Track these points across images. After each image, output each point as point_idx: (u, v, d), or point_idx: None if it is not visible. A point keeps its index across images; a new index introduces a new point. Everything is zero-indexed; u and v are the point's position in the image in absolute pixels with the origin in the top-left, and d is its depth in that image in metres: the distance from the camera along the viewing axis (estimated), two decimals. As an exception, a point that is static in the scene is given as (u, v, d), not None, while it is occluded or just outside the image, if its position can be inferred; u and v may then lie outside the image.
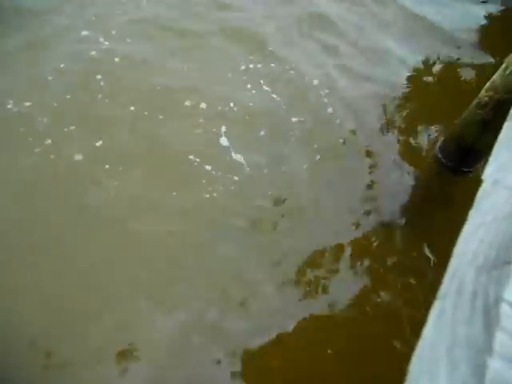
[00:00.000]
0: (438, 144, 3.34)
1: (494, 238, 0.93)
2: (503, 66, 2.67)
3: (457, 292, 0.87)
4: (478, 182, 1.53)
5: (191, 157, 3.00)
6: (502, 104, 2.58)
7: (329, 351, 2.31)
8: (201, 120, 3.22)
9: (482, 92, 3.01)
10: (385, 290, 2.53)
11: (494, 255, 0.89)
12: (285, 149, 3.17)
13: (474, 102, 3.13)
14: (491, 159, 1.17)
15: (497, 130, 2.01)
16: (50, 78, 3.25)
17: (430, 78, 3.89)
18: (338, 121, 3.37)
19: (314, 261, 2.64)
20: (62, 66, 3.33)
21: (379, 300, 2.51)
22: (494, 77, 2.87)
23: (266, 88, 3.52)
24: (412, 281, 2.58)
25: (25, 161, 2.82)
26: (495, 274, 0.84)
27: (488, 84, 2.94)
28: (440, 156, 3.23)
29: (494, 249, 0.88)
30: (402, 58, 4.03)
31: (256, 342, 2.32)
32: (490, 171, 1.13)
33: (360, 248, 2.73)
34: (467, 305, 0.82)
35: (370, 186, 3.08)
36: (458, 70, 4.01)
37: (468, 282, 0.85)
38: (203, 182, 2.90)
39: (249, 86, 3.52)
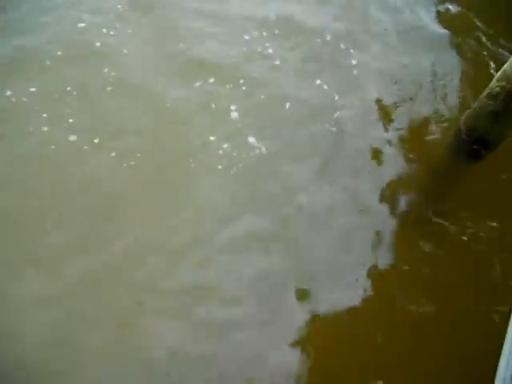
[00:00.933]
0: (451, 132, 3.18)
1: None
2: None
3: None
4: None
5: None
6: (513, 94, 2.56)
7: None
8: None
9: (494, 82, 2.75)
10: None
11: None
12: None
13: (485, 91, 2.85)
14: None
15: (508, 120, 2.78)
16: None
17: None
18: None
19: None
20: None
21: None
22: (505, 66, 2.64)
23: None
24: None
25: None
26: None
27: (499, 74, 2.69)
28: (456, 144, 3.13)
29: None
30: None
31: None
32: None
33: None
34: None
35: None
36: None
37: None
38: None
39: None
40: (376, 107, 3.29)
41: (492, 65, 3.59)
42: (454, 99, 3.39)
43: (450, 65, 3.59)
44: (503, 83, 2.65)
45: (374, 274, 2.57)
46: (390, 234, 2.73)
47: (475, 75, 3.53)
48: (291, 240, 2.64)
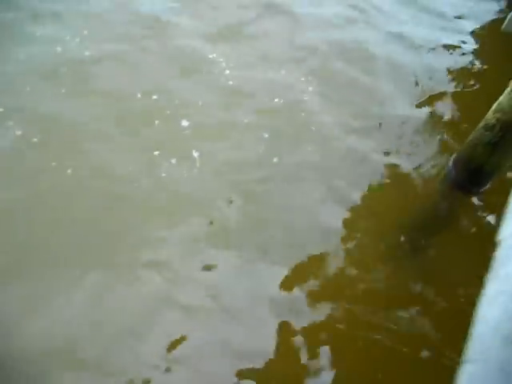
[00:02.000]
0: (450, 163, 3.26)
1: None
2: (509, 88, 2.63)
3: (484, 359, 0.90)
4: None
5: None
6: (510, 125, 2.68)
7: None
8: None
9: (490, 114, 2.84)
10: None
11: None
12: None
13: (481, 123, 2.94)
14: (507, 219, 1.09)
15: (506, 151, 2.87)
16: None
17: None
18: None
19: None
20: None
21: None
22: (501, 98, 2.73)
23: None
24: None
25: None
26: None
27: (495, 106, 2.78)
28: (451, 175, 3.21)
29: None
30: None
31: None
32: (508, 233, 1.06)
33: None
34: (496, 374, 0.85)
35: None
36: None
37: (495, 350, 0.85)
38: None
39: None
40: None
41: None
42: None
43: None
44: (499, 115, 2.74)
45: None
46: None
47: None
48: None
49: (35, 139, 2.90)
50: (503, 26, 4.16)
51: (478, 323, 1.00)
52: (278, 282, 2.48)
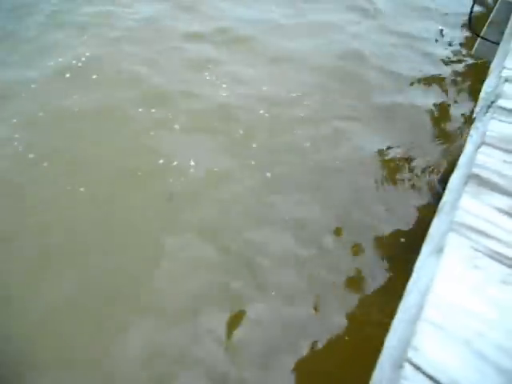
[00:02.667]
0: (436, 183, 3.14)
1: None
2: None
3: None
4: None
5: None
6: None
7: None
8: None
9: (476, 108, 2.50)
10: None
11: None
12: None
13: (462, 139, 2.89)
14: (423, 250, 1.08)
15: None
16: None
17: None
18: None
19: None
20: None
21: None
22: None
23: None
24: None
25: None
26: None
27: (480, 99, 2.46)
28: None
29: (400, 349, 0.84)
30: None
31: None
32: (419, 265, 1.05)
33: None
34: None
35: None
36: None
37: (386, 375, 0.83)
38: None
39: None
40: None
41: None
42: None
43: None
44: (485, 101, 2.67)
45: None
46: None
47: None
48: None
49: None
50: (473, 51, 4.09)
51: (381, 353, 0.90)
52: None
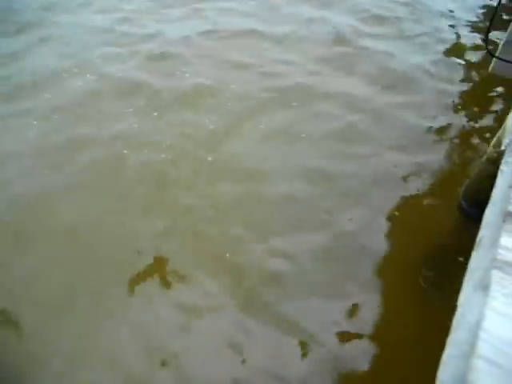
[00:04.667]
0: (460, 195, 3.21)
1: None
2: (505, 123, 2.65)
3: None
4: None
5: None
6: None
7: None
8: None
9: (490, 148, 2.87)
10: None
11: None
12: None
13: (484, 157, 2.94)
14: (465, 286, 1.17)
15: None
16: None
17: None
18: None
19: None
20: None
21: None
22: (499, 133, 2.78)
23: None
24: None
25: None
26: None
27: (494, 140, 2.82)
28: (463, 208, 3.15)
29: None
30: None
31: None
32: (461, 300, 1.14)
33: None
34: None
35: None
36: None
37: None
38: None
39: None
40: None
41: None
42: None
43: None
44: (499, 149, 2.72)
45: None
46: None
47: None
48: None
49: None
50: (490, 69, 4.15)
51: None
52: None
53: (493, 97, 4.32)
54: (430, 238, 2.91)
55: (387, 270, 2.68)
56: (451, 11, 5.77)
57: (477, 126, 3.93)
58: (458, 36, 5.26)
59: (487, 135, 3.79)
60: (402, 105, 4.08)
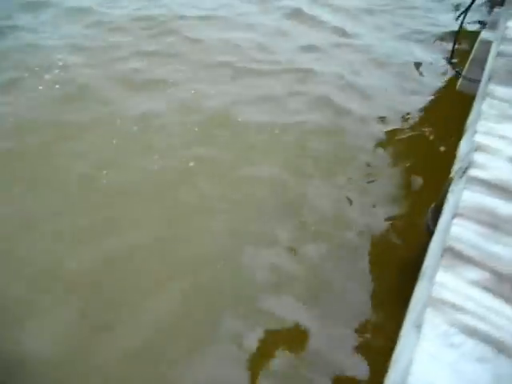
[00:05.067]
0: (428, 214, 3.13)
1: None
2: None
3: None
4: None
5: None
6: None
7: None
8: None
9: (455, 166, 2.68)
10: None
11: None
12: None
13: (452, 175, 2.70)
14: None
15: None
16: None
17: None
18: None
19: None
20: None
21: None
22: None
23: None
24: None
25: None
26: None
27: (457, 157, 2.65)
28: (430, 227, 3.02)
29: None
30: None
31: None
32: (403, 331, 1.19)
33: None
34: None
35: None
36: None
37: None
38: None
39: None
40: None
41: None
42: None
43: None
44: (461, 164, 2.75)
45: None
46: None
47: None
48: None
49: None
50: (457, 87, 4.26)
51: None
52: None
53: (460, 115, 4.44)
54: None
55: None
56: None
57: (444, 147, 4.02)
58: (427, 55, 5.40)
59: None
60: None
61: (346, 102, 4.27)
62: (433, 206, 3.31)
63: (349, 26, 5.73)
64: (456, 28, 3.99)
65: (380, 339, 2.39)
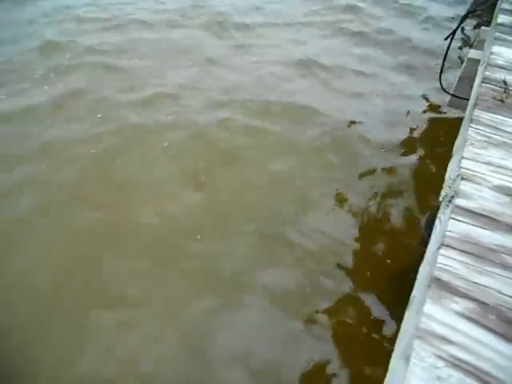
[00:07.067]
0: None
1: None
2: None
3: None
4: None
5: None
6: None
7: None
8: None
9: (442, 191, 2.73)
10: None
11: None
12: None
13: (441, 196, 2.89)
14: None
15: None
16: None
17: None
18: None
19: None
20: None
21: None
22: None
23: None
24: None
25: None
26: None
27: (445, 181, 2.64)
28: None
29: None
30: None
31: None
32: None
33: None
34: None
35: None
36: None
37: None
38: None
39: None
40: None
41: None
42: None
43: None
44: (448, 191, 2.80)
45: None
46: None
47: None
48: None
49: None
50: (446, 104, 4.34)
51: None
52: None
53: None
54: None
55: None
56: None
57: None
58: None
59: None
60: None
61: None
62: (427, 215, 3.37)
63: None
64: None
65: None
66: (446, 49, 3.86)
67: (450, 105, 4.71)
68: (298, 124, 4.23)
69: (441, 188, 2.19)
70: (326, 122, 4.28)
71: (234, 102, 4.54)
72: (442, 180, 2.23)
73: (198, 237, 3.04)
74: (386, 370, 1.25)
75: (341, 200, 3.47)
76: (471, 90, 3.20)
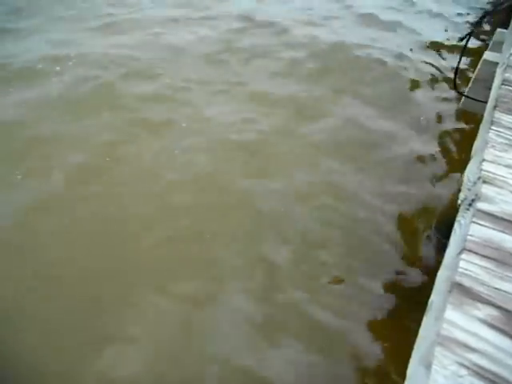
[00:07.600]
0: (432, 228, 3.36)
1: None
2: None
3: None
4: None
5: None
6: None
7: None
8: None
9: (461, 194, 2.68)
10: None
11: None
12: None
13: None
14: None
15: None
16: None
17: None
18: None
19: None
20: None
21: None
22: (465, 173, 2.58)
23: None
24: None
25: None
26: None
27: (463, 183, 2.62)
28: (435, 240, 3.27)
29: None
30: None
31: None
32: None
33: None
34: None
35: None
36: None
37: None
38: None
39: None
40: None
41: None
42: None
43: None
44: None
45: None
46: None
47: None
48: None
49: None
50: (460, 105, 4.27)
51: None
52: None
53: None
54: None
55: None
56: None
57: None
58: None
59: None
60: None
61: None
62: (437, 215, 3.44)
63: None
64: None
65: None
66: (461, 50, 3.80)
67: (464, 106, 4.65)
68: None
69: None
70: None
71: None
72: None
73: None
74: None
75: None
76: (486, 91, 3.14)
